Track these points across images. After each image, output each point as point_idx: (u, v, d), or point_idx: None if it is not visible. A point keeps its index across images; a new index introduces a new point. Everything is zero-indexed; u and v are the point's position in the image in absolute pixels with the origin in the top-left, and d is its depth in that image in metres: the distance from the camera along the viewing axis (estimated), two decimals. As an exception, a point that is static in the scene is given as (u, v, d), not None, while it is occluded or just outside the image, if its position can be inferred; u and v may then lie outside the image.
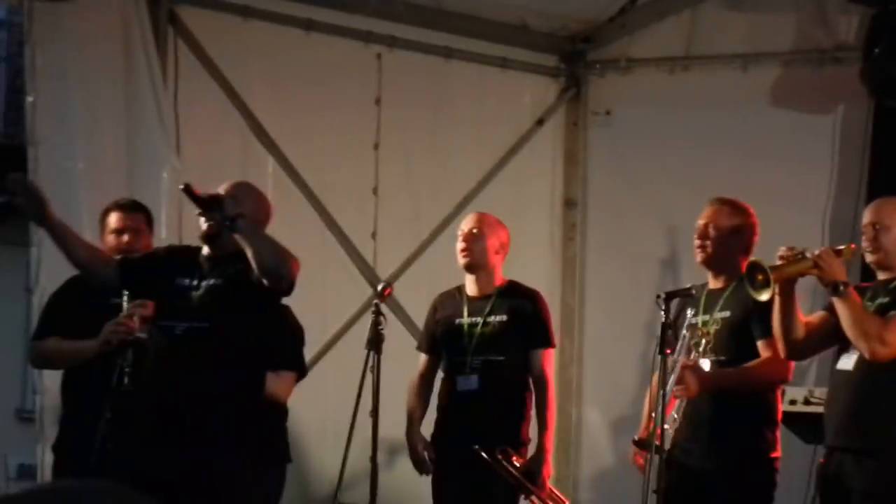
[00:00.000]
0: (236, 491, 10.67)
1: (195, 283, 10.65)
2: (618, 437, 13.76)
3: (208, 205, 10.67)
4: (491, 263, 11.88)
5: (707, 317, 11.30)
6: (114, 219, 11.53)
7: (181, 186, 11.00)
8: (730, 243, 11.25)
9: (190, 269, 10.69)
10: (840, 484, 10.53)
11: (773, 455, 11.17)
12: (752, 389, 11.18)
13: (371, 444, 11.51)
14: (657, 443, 10.80)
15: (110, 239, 11.53)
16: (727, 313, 11.22)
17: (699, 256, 11.33)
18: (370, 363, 11.53)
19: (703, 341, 11.17)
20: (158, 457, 10.42)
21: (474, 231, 11.81)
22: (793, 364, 11.28)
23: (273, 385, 11.32)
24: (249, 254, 10.55)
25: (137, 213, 11.58)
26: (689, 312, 11.19)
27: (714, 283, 11.30)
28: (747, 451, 11.08)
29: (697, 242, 11.33)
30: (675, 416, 11.13)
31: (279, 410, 11.78)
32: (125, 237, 11.37)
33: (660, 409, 10.85)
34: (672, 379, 10.99)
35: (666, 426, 10.92)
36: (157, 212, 12.19)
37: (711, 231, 11.25)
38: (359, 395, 11.50)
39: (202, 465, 10.54)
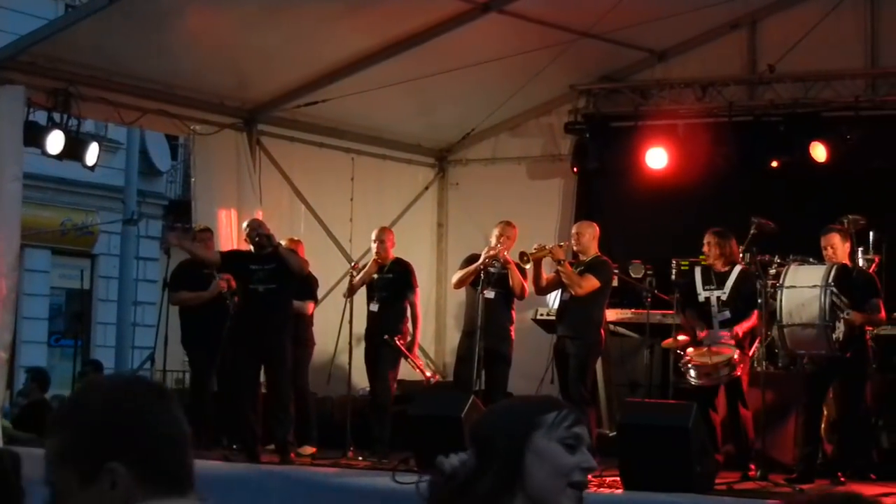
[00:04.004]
0: (287, 352, 11.25)
1: (260, 266, 11.16)
2: (456, 332, 13.32)
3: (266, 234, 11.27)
4: (390, 253, 12.14)
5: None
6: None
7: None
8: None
9: (257, 260, 11.18)
10: (563, 352, 11.06)
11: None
12: (521, 281, 11.45)
13: (349, 336, 11.76)
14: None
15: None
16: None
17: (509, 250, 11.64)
18: (347, 301, 11.85)
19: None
20: (259, 339, 11.09)
21: (382, 239, 12.10)
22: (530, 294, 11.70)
23: (300, 307, 11.87)
24: (286, 259, 11.17)
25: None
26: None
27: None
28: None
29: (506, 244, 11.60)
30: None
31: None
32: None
33: (480, 310, 11.49)
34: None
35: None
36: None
37: (506, 239, 11.60)
38: (342, 316, 11.74)
39: (274, 345, 11.19)
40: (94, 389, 2.36)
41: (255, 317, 11.15)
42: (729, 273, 10.47)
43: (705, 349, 10.18)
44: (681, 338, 10.80)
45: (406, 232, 13.99)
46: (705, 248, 10.62)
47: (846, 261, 9.90)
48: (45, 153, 11.84)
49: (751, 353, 10.40)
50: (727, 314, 10.35)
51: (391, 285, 12.03)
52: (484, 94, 13.90)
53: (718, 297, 10.40)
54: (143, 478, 2.24)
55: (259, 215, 12.39)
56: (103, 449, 2.24)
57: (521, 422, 2.59)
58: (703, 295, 10.51)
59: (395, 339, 11.72)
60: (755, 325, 10.34)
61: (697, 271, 10.71)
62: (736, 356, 10.08)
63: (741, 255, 10.76)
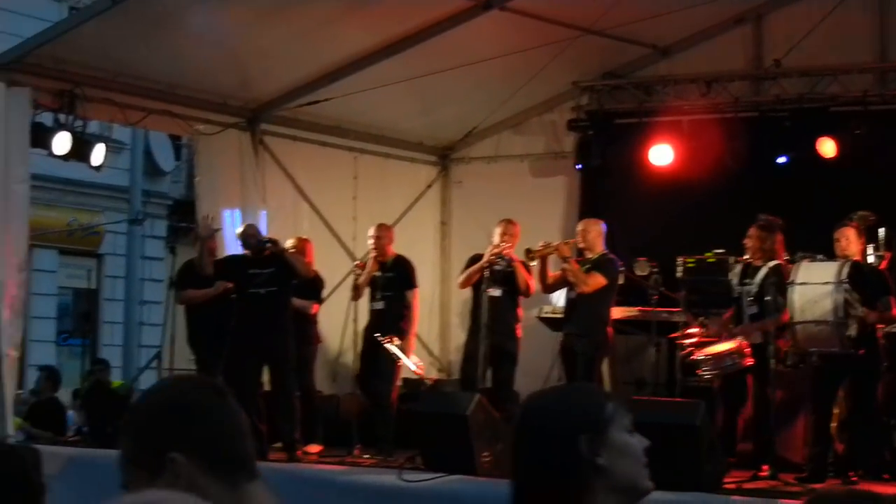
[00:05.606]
0: (290, 351, 11.07)
1: (259, 270, 10.97)
2: (461, 330, 13.15)
3: (269, 240, 11.07)
4: (389, 250, 11.94)
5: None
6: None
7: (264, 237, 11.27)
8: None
9: (255, 264, 11.00)
10: (570, 350, 10.99)
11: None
12: (526, 279, 11.37)
13: (353, 334, 11.72)
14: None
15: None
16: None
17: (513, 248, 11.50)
18: (351, 300, 11.75)
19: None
20: (262, 340, 10.90)
21: (378, 235, 11.89)
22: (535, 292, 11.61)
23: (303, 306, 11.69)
24: (291, 263, 10.97)
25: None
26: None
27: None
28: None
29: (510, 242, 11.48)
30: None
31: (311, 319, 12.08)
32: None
33: (484, 310, 11.22)
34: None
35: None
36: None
37: (510, 237, 11.49)
38: (347, 314, 11.68)
39: (277, 345, 11.00)
40: (151, 392, 2.53)
41: (258, 319, 11.02)
42: (762, 268, 10.15)
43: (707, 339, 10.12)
44: (692, 331, 10.60)
45: (409, 230, 13.91)
46: (745, 241, 10.33)
47: (858, 256, 9.68)
48: (51, 154, 11.75)
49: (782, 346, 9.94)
50: (755, 309, 10.05)
51: (393, 283, 11.87)
52: (486, 91, 13.77)
53: (749, 292, 10.13)
54: (204, 466, 2.34)
55: (262, 215, 12.25)
56: (162, 442, 2.35)
57: (596, 421, 2.58)
58: (737, 290, 10.27)
59: (390, 338, 11.40)
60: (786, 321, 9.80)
61: (738, 267, 10.41)
62: (740, 344, 9.84)
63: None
